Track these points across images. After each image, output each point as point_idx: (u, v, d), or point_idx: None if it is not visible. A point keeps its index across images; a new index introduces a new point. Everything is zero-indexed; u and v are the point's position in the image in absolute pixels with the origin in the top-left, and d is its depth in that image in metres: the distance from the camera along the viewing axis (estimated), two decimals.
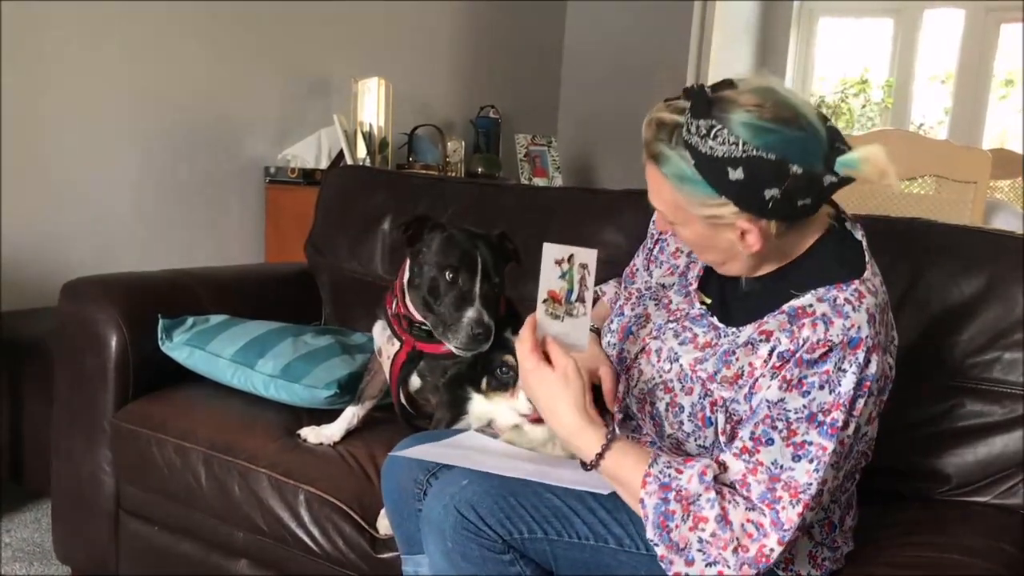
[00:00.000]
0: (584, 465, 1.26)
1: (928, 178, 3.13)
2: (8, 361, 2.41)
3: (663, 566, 1.18)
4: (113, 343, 1.98)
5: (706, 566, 1.15)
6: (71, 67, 2.78)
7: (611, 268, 1.67)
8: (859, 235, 1.29)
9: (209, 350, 2.00)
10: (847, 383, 1.15)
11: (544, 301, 1.25)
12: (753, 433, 1.18)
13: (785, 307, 1.23)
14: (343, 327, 2.38)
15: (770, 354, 1.21)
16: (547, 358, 1.26)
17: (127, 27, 2.90)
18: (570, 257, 1.25)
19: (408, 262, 1.71)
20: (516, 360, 1.34)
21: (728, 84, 1.19)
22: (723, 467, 1.20)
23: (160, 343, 2.03)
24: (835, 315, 1.17)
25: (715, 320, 1.34)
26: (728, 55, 4.94)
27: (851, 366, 1.16)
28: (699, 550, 1.15)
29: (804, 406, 1.16)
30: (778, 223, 1.19)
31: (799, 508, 1.15)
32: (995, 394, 1.63)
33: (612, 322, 1.49)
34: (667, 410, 1.33)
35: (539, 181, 4.41)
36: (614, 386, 1.40)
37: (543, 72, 5.07)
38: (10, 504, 2.54)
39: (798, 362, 1.17)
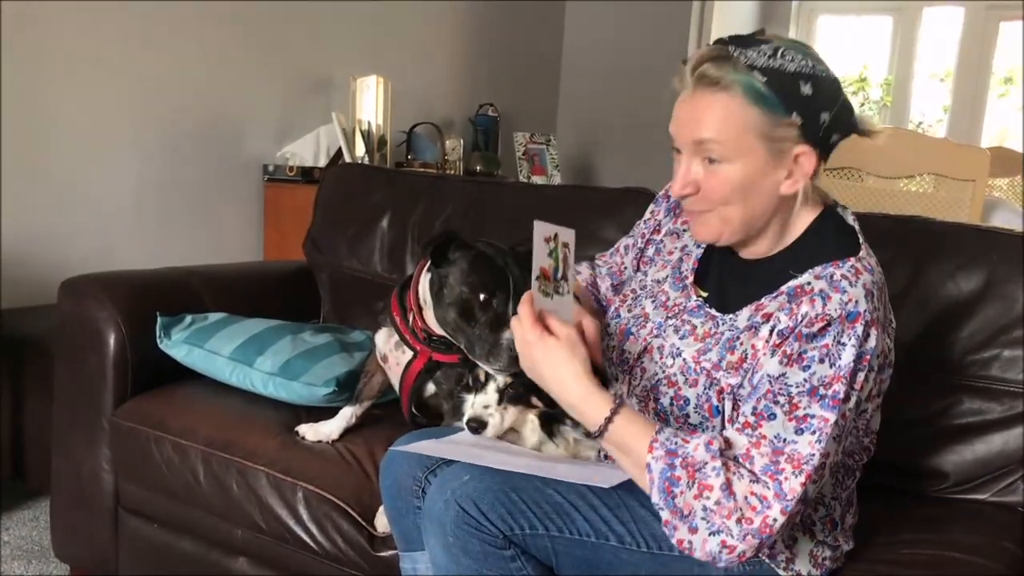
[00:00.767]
0: (589, 434, 1.26)
1: (927, 176, 3.13)
2: (8, 359, 2.41)
3: (667, 531, 1.19)
4: (112, 341, 1.98)
5: (709, 534, 1.16)
6: (70, 65, 2.78)
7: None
8: (851, 220, 1.32)
9: (208, 348, 2.00)
10: (847, 356, 1.17)
11: (537, 278, 1.26)
12: (755, 408, 1.19)
13: (784, 288, 1.25)
14: (342, 325, 2.38)
15: (770, 333, 1.22)
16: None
17: (126, 26, 2.90)
18: (555, 235, 1.26)
19: (426, 276, 1.65)
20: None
21: (758, 32, 1.25)
22: (727, 443, 1.20)
23: (159, 341, 2.03)
24: (832, 290, 1.19)
25: (712, 310, 1.35)
26: None
27: (850, 339, 1.17)
28: (703, 518, 1.16)
29: (805, 380, 1.17)
30: (818, 157, 1.23)
31: (801, 479, 1.15)
32: (994, 391, 1.63)
33: (609, 325, 1.49)
34: (672, 404, 1.33)
35: (538, 179, 4.41)
36: (598, 338, 1.37)
37: (542, 70, 5.07)
38: (10, 502, 2.54)
39: (798, 336, 1.18)
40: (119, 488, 2.02)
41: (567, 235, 1.27)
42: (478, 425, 1.42)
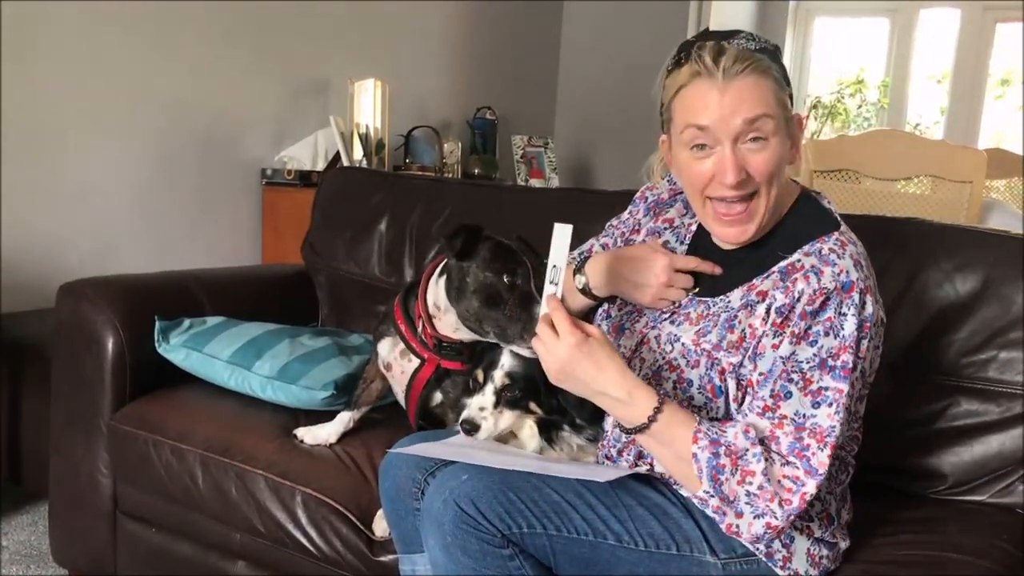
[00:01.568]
0: (628, 430, 1.26)
1: (924, 178, 3.14)
2: (7, 362, 2.41)
3: (716, 518, 1.24)
4: (110, 344, 1.98)
5: (754, 518, 1.20)
6: (69, 68, 2.78)
7: None
8: (826, 203, 1.37)
9: (206, 352, 2.00)
10: (849, 326, 1.21)
11: (554, 282, 1.28)
12: (772, 391, 1.23)
13: (775, 267, 1.29)
14: (340, 328, 2.38)
15: (768, 312, 1.26)
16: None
17: (125, 30, 2.90)
18: (565, 233, 1.29)
19: (437, 282, 1.66)
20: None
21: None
22: (753, 429, 1.23)
23: (157, 345, 2.03)
24: (823, 264, 1.24)
25: (704, 299, 1.38)
26: None
27: (850, 309, 1.22)
28: (747, 503, 1.20)
29: (814, 355, 1.22)
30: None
31: (828, 451, 1.20)
32: (991, 393, 1.63)
33: (600, 325, 1.50)
34: (675, 388, 1.35)
35: (536, 182, 4.41)
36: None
37: (539, 73, 5.08)
38: (8, 506, 2.54)
39: (802, 315, 1.23)
40: (117, 492, 2.02)
41: (568, 231, 1.30)
42: (471, 427, 1.42)
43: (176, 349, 2.03)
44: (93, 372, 2.00)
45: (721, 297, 1.35)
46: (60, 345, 2.07)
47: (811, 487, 1.19)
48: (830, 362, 1.21)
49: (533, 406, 1.45)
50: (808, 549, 1.31)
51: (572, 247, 1.34)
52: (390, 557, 1.59)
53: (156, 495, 1.94)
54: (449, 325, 1.65)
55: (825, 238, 1.28)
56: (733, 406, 1.30)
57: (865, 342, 1.23)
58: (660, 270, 1.40)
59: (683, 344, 1.35)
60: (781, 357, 1.23)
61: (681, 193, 1.50)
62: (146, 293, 2.13)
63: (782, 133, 1.27)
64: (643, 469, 1.35)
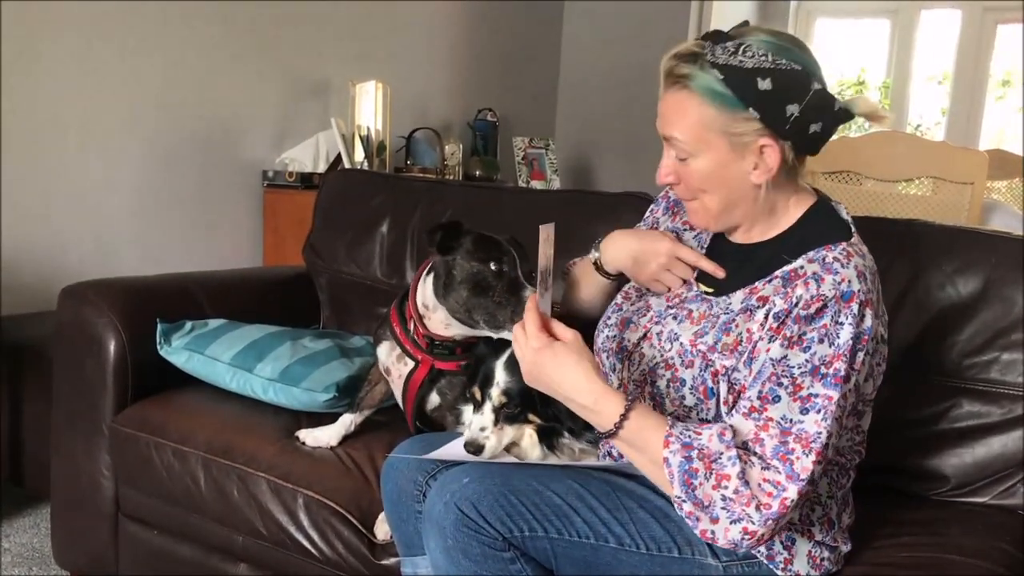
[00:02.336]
0: (601, 435, 1.26)
1: (925, 179, 3.14)
2: (8, 364, 2.42)
3: (690, 523, 1.21)
4: (112, 347, 1.98)
5: (731, 523, 1.17)
6: (70, 71, 2.78)
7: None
8: (844, 215, 1.34)
9: (208, 354, 2.00)
10: (845, 335, 1.19)
11: (540, 282, 1.29)
12: (760, 392, 1.21)
13: (778, 272, 1.28)
14: (341, 330, 2.38)
15: (766, 317, 1.25)
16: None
17: (126, 31, 2.91)
18: (549, 233, 1.29)
19: (424, 281, 1.68)
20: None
21: (740, 25, 1.28)
22: (733, 431, 1.21)
23: (158, 347, 2.03)
24: (825, 272, 1.23)
25: (710, 297, 1.38)
26: None
27: (847, 319, 1.20)
28: (723, 507, 1.17)
29: (807, 360, 1.20)
30: (793, 148, 1.25)
31: (812, 457, 1.17)
32: (993, 394, 1.63)
33: (610, 317, 1.50)
34: (668, 386, 1.35)
35: (537, 184, 4.41)
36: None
37: (540, 75, 5.08)
38: (10, 508, 2.54)
39: (796, 319, 1.21)
40: (119, 494, 2.02)
41: (551, 229, 1.30)
42: (475, 449, 1.42)
43: (178, 351, 2.03)
44: (94, 374, 2.00)
45: (724, 297, 1.35)
46: (61, 347, 2.08)
47: (792, 492, 1.16)
48: (822, 370, 1.19)
49: (531, 416, 1.45)
50: (809, 551, 1.31)
51: (567, 250, 1.33)
52: (392, 560, 1.59)
53: (157, 497, 1.94)
54: (440, 322, 1.67)
55: (832, 247, 1.26)
56: (724, 409, 1.28)
57: (861, 355, 1.21)
58: (663, 251, 1.43)
59: (681, 343, 1.35)
60: (771, 359, 1.22)
61: None
62: (147, 295, 2.13)
63: (712, 154, 1.26)
64: None
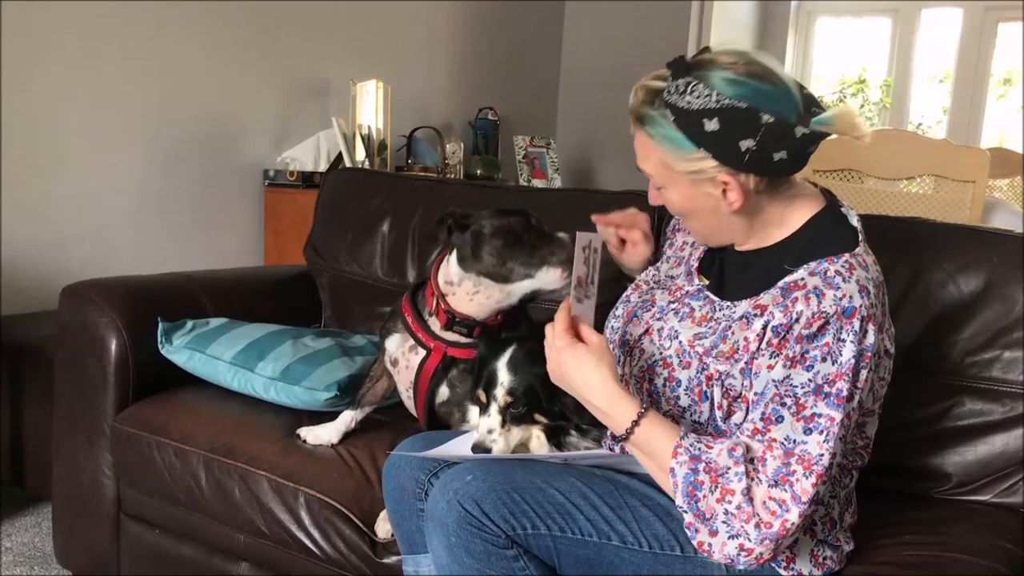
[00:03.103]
0: (614, 438, 1.27)
1: (927, 177, 3.14)
2: (9, 365, 2.42)
3: (688, 533, 1.21)
4: (113, 347, 1.98)
5: (729, 538, 1.18)
6: (71, 70, 2.78)
7: (608, 269, 1.68)
8: (854, 221, 1.33)
9: (209, 353, 2.00)
10: (847, 353, 1.19)
11: (575, 287, 1.33)
12: (764, 414, 1.21)
13: (780, 282, 1.27)
14: (342, 329, 2.38)
15: (764, 328, 1.24)
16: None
17: (127, 30, 2.91)
18: (590, 242, 1.33)
19: (449, 259, 1.72)
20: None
21: (705, 50, 1.26)
22: (746, 448, 1.21)
23: (160, 346, 2.03)
24: (826, 287, 1.21)
25: (711, 295, 1.38)
26: None
27: (849, 335, 1.19)
28: (723, 522, 1.18)
29: (809, 380, 1.19)
30: (756, 178, 1.23)
31: (812, 479, 1.17)
32: (995, 393, 1.63)
33: (617, 308, 1.51)
34: (664, 385, 1.35)
35: (538, 183, 4.41)
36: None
37: (541, 74, 5.08)
38: (11, 508, 2.54)
39: (798, 338, 1.20)
40: (120, 493, 2.03)
41: (598, 240, 1.35)
42: (483, 453, 1.42)
43: (179, 351, 2.03)
44: (96, 374, 2.00)
45: (728, 304, 1.34)
46: (63, 347, 2.08)
47: (794, 515, 1.16)
48: (825, 388, 1.18)
49: (538, 416, 1.45)
50: (812, 550, 1.31)
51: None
52: (394, 558, 1.59)
53: (159, 497, 1.94)
54: (465, 296, 1.70)
55: (834, 258, 1.24)
56: (717, 413, 1.29)
57: (864, 372, 1.20)
58: (633, 211, 1.58)
59: (680, 342, 1.35)
60: (774, 380, 1.21)
61: None
62: (148, 295, 2.13)
63: (679, 188, 1.29)
64: None
